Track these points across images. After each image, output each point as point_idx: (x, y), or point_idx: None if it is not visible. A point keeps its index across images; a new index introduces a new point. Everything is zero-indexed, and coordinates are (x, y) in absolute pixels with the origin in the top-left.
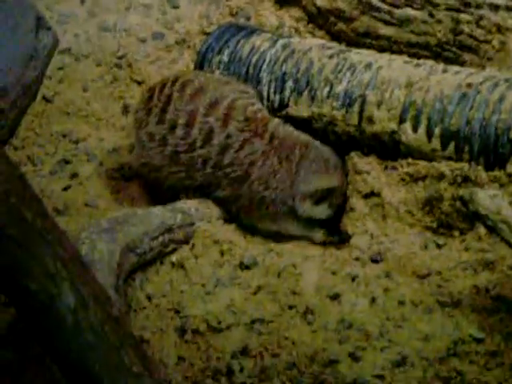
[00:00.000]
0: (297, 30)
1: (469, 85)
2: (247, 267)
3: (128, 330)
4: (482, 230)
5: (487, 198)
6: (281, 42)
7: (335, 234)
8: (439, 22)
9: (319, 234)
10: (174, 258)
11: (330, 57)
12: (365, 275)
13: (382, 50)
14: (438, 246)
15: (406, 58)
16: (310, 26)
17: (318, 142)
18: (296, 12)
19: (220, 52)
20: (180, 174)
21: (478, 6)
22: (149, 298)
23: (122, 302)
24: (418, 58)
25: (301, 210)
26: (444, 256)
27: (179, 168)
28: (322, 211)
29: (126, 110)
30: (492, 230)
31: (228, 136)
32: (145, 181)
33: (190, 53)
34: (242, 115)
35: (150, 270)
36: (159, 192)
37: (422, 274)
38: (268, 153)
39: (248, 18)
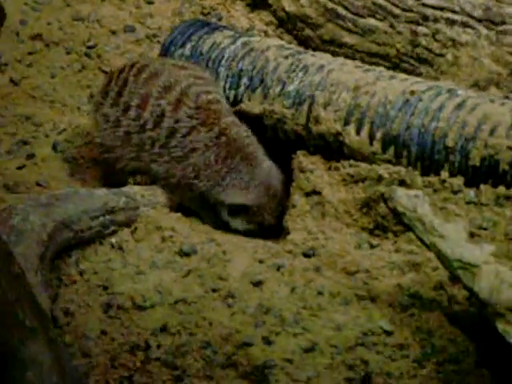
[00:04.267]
0: (266, 34)
1: (412, 92)
2: (186, 254)
3: (28, 288)
4: (413, 234)
5: (405, 197)
6: (241, 40)
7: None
8: (399, 33)
9: (238, 222)
10: (113, 239)
11: (286, 57)
12: (291, 266)
13: (345, 57)
14: (371, 247)
15: (358, 62)
16: (279, 30)
17: (265, 159)
18: (266, 16)
19: (182, 46)
20: (130, 154)
21: (436, 20)
22: (81, 273)
23: (45, 271)
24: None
25: (220, 213)
26: (375, 256)
27: (130, 149)
28: (238, 224)
29: (92, 98)
30: (408, 227)
31: (177, 121)
32: (98, 164)
33: (159, 47)
34: (193, 103)
35: (88, 249)
36: (110, 174)
37: (350, 270)
38: (211, 147)
39: (220, 19)
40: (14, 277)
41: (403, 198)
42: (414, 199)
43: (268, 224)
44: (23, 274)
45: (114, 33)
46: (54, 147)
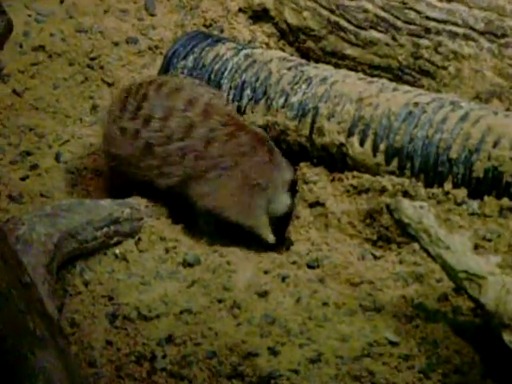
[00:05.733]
0: (268, 46)
1: (415, 104)
2: (190, 265)
3: (37, 297)
4: (416, 245)
5: (411, 208)
6: (244, 51)
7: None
8: (401, 45)
9: (272, 236)
10: (117, 250)
11: (289, 69)
12: (296, 277)
13: (347, 69)
14: (375, 258)
15: (360, 74)
16: (281, 42)
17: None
18: (268, 28)
19: (185, 57)
20: (153, 168)
21: (438, 33)
22: (86, 284)
23: (52, 281)
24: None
25: (279, 198)
26: (379, 267)
27: (152, 162)
28: (287, 199)
29: (94, 109)
30: (413, 238)
31: (211, 130)
32: (108, 174)
33: (161, 59)
34: (222, 111)
35: (92, 259)
36: (122, 184)
37: (354, 282)
38: (257, 146)
39: (221, 31)
40: (25, 287)
41: (409, 209)
42: (419, 210)
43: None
44: (33, 283)
45: (116, 44)
46: (57, 158)
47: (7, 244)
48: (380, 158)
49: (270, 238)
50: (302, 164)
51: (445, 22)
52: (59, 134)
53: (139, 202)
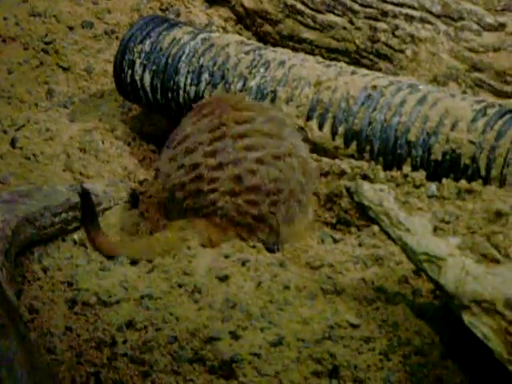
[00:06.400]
0: (225, 30)
1: (374, 87)
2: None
3: None
4: (376, 228)
5: (371, 191)
6: (201, 35)
7: None
8: (358, 29)
9: None
10: (76, 236)
11: (247, 53)
12: (256, 261)
13: (305, 53)
14: (335, 241)
15: (318, 58)
16: (238, 26)
17: None
18: (225, 12)
19: (142, 42)
20: None
21: (395, 16)
22: (44, 270)
23: (10, 268)
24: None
25: None
26: (338, 250)
27: None
28: None
29: (50, 94)
30: (373, 220)
31: None
32: None
33: (117, 43)
34: None
35: (50, 245)
36: None
37: (314, 265)
38: None
39: (178, 15)
40: None
41: (369, 191)
42: (379, 193)
43: None
44: None
45: (71, 28)
46: (13, 143)
47: None
48: (339, 141)
49: None
50: None
51: (401, 5)
52: (14, 120)
53: (97, 187)
